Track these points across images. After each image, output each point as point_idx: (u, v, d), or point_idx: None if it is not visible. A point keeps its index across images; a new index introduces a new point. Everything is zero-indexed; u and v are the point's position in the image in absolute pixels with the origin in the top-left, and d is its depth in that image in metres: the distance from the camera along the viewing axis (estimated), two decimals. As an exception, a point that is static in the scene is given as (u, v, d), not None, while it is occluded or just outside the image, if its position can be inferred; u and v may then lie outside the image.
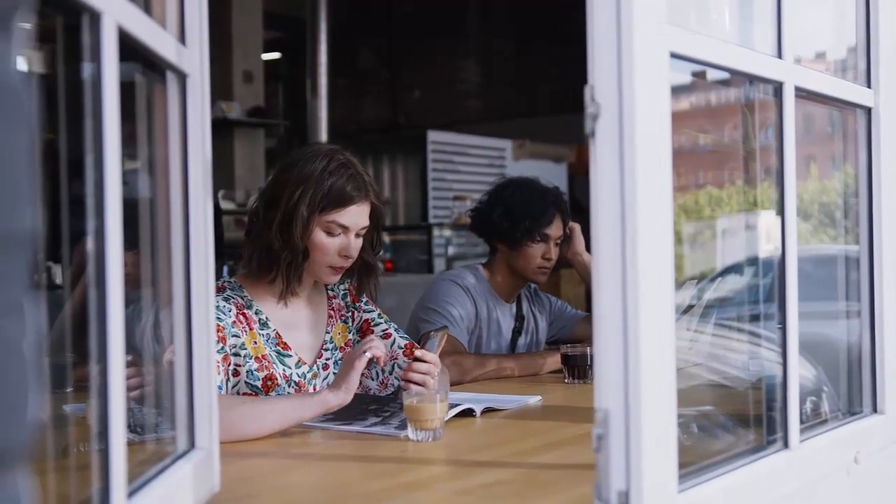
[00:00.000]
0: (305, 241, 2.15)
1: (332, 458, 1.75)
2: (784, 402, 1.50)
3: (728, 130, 2.04)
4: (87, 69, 1.01)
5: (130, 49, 1.10)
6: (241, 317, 2.14)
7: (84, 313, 1.04)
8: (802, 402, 1.61)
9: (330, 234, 2.17)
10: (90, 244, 1.00)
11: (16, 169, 0.54)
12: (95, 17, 0.98)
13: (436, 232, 7.48)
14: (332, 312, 2.35)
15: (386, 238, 7.69)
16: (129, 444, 1.06)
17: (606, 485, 1.16)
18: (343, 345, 2.34)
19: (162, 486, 1.19)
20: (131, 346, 1.09)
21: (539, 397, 2.35)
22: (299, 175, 2.15)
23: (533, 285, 3.17)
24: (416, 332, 2.90)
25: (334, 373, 2.28)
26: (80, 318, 1.14)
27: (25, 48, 0.59)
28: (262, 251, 2.18)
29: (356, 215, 2.19)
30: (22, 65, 0.57)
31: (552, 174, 7.31)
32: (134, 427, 1.33)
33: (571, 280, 6.62)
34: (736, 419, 1.70)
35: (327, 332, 2.33)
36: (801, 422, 1.53)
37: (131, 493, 1.08)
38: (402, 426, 1.89)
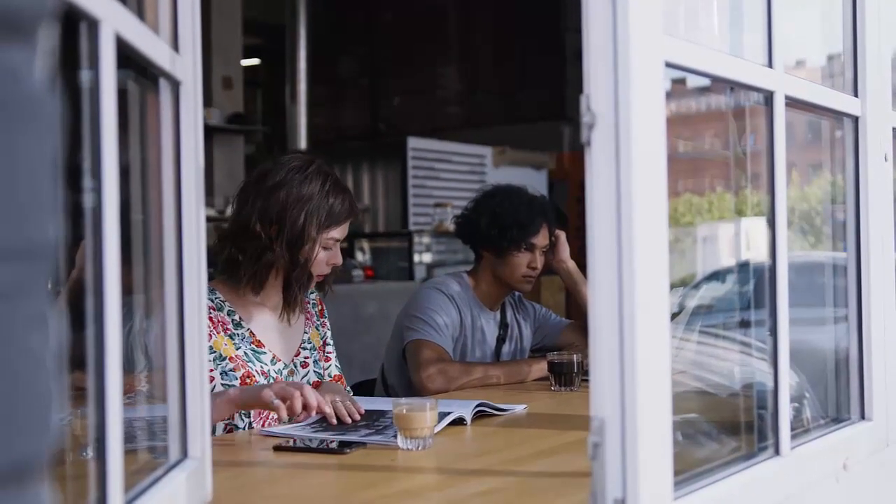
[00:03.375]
0: (312, 260, 2.26)
1: (323, 468, 1.75)
2: (775, 409, 1.51)
3: (708, 138, 2.05)
4: (84, 76, 1.00)
5: (125, 56, 1.09)
6: (207, 321, 2.16)
7: (68, 320, 1.04)
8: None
9: (325, 248, 2.29)
10: (88, 252, 0.99)
11: (40, 180, 0.53)
12: (94, 25, 0.97)
13: (416, 239, 7.46)
14: (308, 315, 2.44)
15: (366, 245, 7.67)
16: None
17: (603, 493, 1.16)
18: (318, 347, 2.44)
19: (156, 496, 1.18)
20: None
21: (525, 406, 2.35)
22: (299, 196, 2.23)
23: (517, 293, 3.17)
24: (401, 341, 2.90)
25: (315, 371, 2.39)
26: (66, 325, 1.13)
27: (48, 58, 0.58)
28: (265, 268, 2.25)
29: (346, 228, 2.33)
30: (45, 75, 0.57)
31: (532, 181, 7.31)
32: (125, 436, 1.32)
33: (552, 287, 6.64)
34: (725, 427, 1.71)
35: (305, 332, 2.41)
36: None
37: (127, 504, 1.07)
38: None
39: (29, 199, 0.53)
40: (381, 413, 2.16)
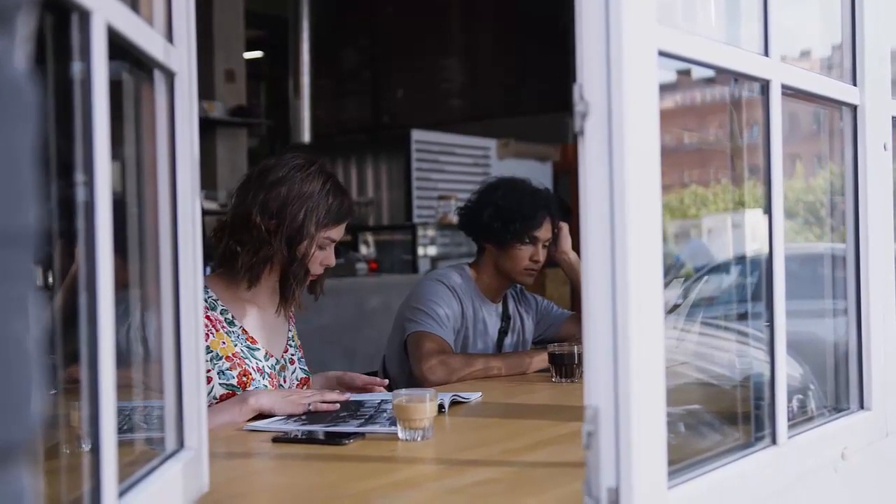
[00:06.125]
0: (309, 257, 2.27)
1: (321, 458, 1.75)
2: (772, 399, 1.51)
3: (713, 129, 2.05)
4: (75, 67, 1.00)
5: (118, 47, 1.09)
6: (204, 320, 2.18)
7: (68, 314, 1.04)
8: (789, 399, 1.61)
9: (320, 248, 2.30)
10: (80, 246, 1.00)
11: (20, 167, 0.54)
12: (85, 16, 0.97)
13: (420, 232, 7.46)
14: (291, 314, 2.47)
15: (370, 238, 7.67)
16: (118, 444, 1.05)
17: (596, 481, 1.16)
18: (299, 346, 2.48)
19: (152, 486, 1.18)
20: (117, 348, 1.09)
21: (479, 394, 2.37)
22: (300, 193, 2.25)
23: (519, 285, 3.17)
24: (402, 332, 2.90)
25: (300, 367, 2.43)
26: (65, 318, 1.14)
27: (28, 46, 0.59)
28: (262, 262, 2.26)
29: (343, 230, 2.36)
30: (25, 63, 0.57)
31: (537, 173, 7.31)
32: (121, 427, 1.33)
33: (556, 279, 6.63)
34: (724, 417, 1.71)
35: (290, 331, 2.45)
36: (789, 419, 1.54)
37: (121, 494, 1.08)
38: (394, 422, 1.89)
39: (8, 186, 0.53)
40: (360, 403, 2.19)
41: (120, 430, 1.10)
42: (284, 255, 2.26)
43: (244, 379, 2.22)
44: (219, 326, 2.24)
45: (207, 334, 2.19)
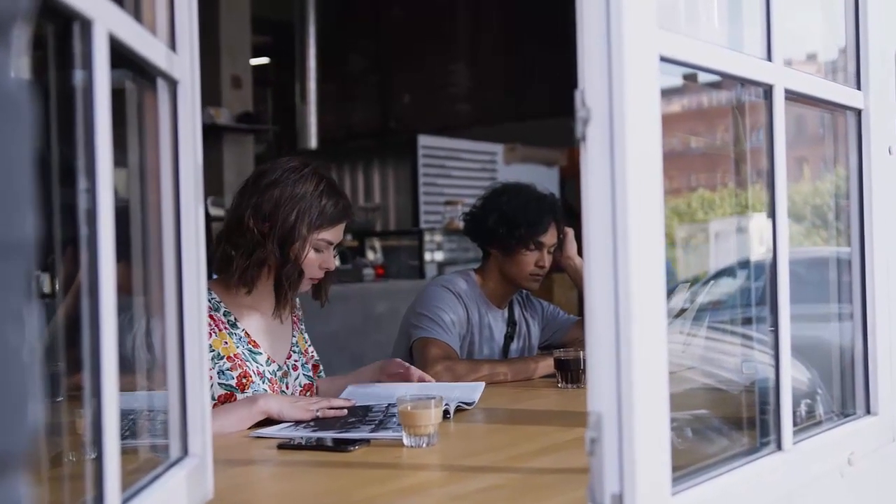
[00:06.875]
0: (302, 258, 2.26)
1: (327, 465, 1.75)
2: (777, 404, 1.50)
3: (720, 133, 2.04)
4: (77, 76, 1.01)
5: (120, 56, 1.10)
6: (207, 319, 2.19)
7: (74, 321, 1.04)
8: (797, 404, 1.61)
9: (317, 250, 2.30)
10: (83, 253, 1.00)
11: (17, 177, 0.54)
12: (87, 25, 0.98)
13: (427, 237, 7.46)
14: (295, 319, 2.47)
15: (377, 243, 7.67)
16: (122, 451, 1.05)
17: (600, 488, 1.16)
18: (304, 351, 2.47)
19: (155, 493, 1.18)
20: (122, 355, 1.09)
21: (482, 384, 2.39)
22: (292, 195, 2.25)
23: (525, 290, 3.17)
24: (408, 338, 2.90)
25: (304, 374, 2.42)
26: (71, 326, 1.14)
27: (24, 56, 0.59)
28: (256, 265, 2.26)
29: (341, 232, 2.34)
30: (22, 73, 0.57)
31: (543, 178, 7.31)
32: (124, 434, 1.33)
33: (564, 284, 6.62)
34: (729, 422, 1.70)
35: (293, 336, 2.44)
36: (795, 424, 1.53)
37: (125, 501, 1.08)
38: (400, 428, 1.89)
39: (5, 197, 0.53)
40: (368, 409, 2.19)
41: (123, 437, 1.10)
42: (277, 258, 2.25)
43: (243, 381, 2.22)
44: (221, 327, 2.25)
45: (210, 333, 2.19)
